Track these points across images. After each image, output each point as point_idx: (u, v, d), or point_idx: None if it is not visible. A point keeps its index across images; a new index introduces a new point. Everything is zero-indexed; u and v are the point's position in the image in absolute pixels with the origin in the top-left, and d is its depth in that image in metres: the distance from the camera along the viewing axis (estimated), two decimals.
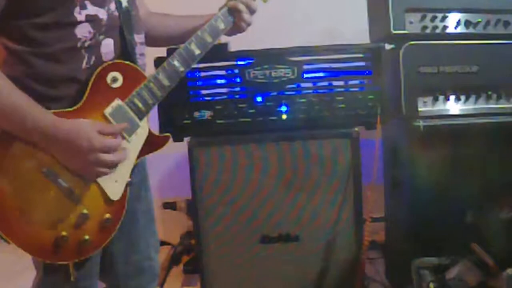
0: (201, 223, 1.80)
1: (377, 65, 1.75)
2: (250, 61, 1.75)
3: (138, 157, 1.24)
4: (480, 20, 1.77)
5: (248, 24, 1.45)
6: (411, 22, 1.76)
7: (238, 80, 1.76)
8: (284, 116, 1.76)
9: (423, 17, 1.77)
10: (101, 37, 1.16)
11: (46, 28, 1.10)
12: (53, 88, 1.12)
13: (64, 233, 1.11)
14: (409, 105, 1.78)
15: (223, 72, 1.76)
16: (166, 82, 1.26)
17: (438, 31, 1.78)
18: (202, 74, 1.77)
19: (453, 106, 1.81)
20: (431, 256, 1.77)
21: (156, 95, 1.24)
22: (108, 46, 1.18)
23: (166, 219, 2.57)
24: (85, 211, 1.14)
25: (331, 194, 1.78)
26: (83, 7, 1.12)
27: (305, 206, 1.78)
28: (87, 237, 1.15)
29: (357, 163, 1.76)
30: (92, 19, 1.14)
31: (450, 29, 1.79)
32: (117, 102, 1.18)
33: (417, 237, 1.84)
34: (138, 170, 1.34)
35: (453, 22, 1.78)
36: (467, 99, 1.81)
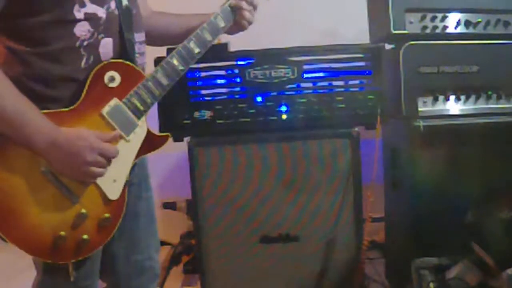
0: (201, 223, 1.80)
1: (377, 65, 1.75)
2: (250, 61, 1.74)
3: (137, 156, 1.24)
4: (480, 20, 1.77)
5: (250, 22, 1.44)
6: (411, 22, 1.76)
7: (238, 80, 1.76)
8: (284, 116, 1.76)
9: (423, 17, 1.76)
10: (100, 36, 1.16)
11: (45, 27, 1.10)
12: (52, 88, 1.13)
13: (62, 232, 1.11)
14: (409, 105, 1.78)
15: (223, 72, 1.76)
16: (164, 81, 1.25)
17: (438, 31, 1.78)
18: (202, 74, 1.77)
19: (453, 106, 1.80)
20: (431, 256, 1.77)
21: (155, 94, 1.24)
22: (107, 46, 1.18)
23: (166, 219, 2.57)
24: (83, 210, 1.14)
25: (331, 194, 1.77)
26: (82, 5, 1.12)
27: (305, 206, 1.78)
28: (85, 236, 1.15)
29: (357, 163, 1.76)
30: (91, 18, 1.14)
31: (450, 29, 1.78)
32: (114, 101, 1.18)
33: (417, 237, 1.83)
34: (139, 170, 1.34)
35: (453, 22, 1.78)
36: (467, 99, 1.80)
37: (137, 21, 1.28)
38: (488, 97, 1.79)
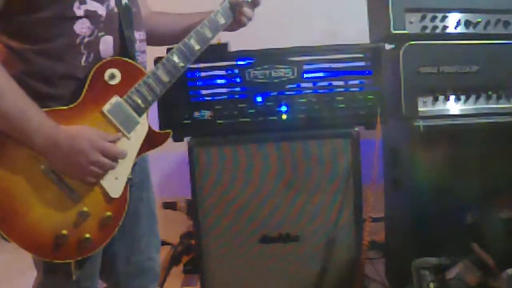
0: (201, 223, 1.80)
1: (377, 65, 1.75)
2: (250, 61, 1.75)
3: (139, 154, 1.24)
4: (480, 20, 1.77)
5: (249, 19, 1.44)
6: (411, 22, 1.76)
7: (238, 80, 1.76)
8: (284, 116, 1.76)
9: (423, 17, 1.76)
10: (101, 34, 1.16)
11: (45, 24, 1.10)
12: (52, 86, 1.12)
13: (64, 231, 1.11)
14: (409, 105, 1.78)
15: (223, 72, 1.76)
16: (165, 78, 1.25)
17: (438, 31, 1.78)
18: (202, 74, 1.77)
19: (453, 106, 1.81)
20: (431, 256, 1.77)
21: (155, 91, 1.23)
22: (107, 43, 1.17)
23: (166, 219, 2.56)
24: (85, 209, 1.14)
25: (331, 194, 1.78)
26: (83, 2, 1.12)
27: (305, 206, 1.78)
28: (88, 235, 1.15)
29: (357, 163, 1.76)
30: (91, 15, 1.14)
31: (450, 29, 1.78)
32: (115, 99, 1.18)
33: (417, 237, 1.83)
34: (140, 170, 1.34)
35: (453, 22, 1.78)
36: (467, 99, 1.80)
37: (137, 19, 1.28)
38: (488, 97, 1.80)
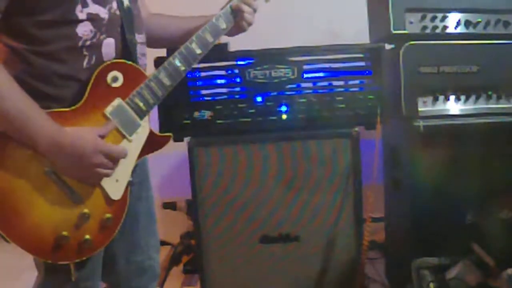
0: (201, 223, 1.80)
1: (377, 65, 1.75)
2: (250, 61, 1.75)
3: (139, 156, 1.24)
4: (480, 20, 1.77)
5: (250, 24, 1.45)
6: (411, 22, 1.76)
7: (238, 80, 1.76)
8: (284, 116, 1.77)
9: (423, 17, 1.76)
10: (103, 36, 1.16)
11: (47, 26, 1.10)
12: (54, 87, 1.12)
13: (65, 232, 1.11)
14: (409, 105, 1.78)
15: (223, 72, 1.77)
16: (167, 82, 1.26)
17: (438, 31, 1.78)
18: (202, 74, 1.77)
19: (453, 106, 1.80)
20: (431, 256, 1.77)
21: (157, 94, 1.24)
22: (109, 46, 1.18)
23: (166, 219, 2.57)
24: (86, 210, 1.14)
25: (331, 194, 1.78)
26: (85, 5, 1.12)
27: (305, 206, 1.78)
28: (88, 237, 1.15)
29: (357, 163, 1.76)
30: (93, 18, 1.14)
31: (450, 29, 1.78)
32: (117, 101, 1.18)
33: (417, 237, 1.83)
34: (140, 170, 1.34)
35: (453, 22, 1.78)
36: (467, 99, 1.80)
37: (139, 22, 1.28)
38: (488, 97, 1.79)
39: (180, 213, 2.61)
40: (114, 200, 1.19)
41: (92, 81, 1.14)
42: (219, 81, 1.78)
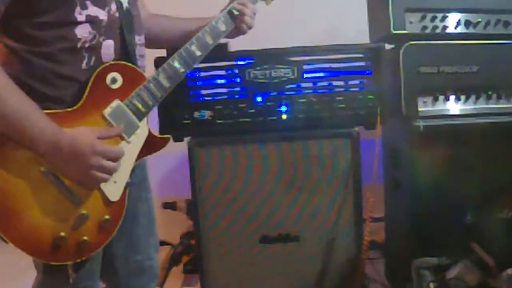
0: (201, 223, 1.80)
1: (377, 65, 1.75)
2: (250, 61, 1.75)
3: (138, 158, 1.24)
4: (480, 20, 1.77)
5: (250, 27, 1.46)
6: (411, 22, 1.76)
7: (238, 80, 1.76)
8: (284, 116, 1.76)
9: (423, 17, 1.76)
10: (102, 38, 1.16)
11: (46, 27, 1.10)
12: (53, 88, 1.12)
13: (62, 233, 1.11)
14: (409, 105, 1.78)
15: (223, 72, 1.76)
16: (166, 83, 1.26)
17: (438, 31, 1.78)
18: (202, 74, 1.77)
19: (453, 106, 1.81)
20: (431, 256, 1.77)
21: (156, 96, 1.24)
22: (108, 47, 1.18)
23: (166, 219, 2.57)
24: (84, 211, 1.14)
25: (331, 194, 1.78)
26: (84, 7, 1.12)
27: (305, 206, 1.78)
28: (86, 238, 1.15)
29: (357, 163, 1.76)
30: (92, 20, 1.14)
31: (450, 29, 1.78)
32: (116, 102, 1.18)
33: (417, 237, 1.83)
34: (138, 171, 1.34)
35: (453, 22, 1.78)
36: (467, 99, 1.80)
37: (138, 24, 1.28)
38: (488, 97, 1.80)
39: (180, 213, 2.61)
40: (112, 202, 1.19)
41: (91, 82, 1.15)
42: (219, 81, 1.78)
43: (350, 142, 1.76)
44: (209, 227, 1.80)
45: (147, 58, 1.34)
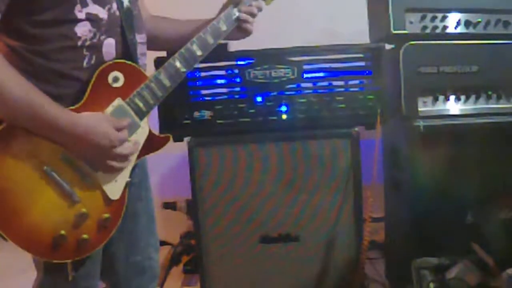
0: (201, 223, 1.80)
1: (377, 65, 1.75)
2: (250, 61, 1.75)
3: (138, 157, 1.25)
4: (480, 20, 1.77)
5: (250, 33, 1.46)
6: (411, 22, 1.76)
7: (238, 80, 1.76)
8: (284, 116, 1.77)
9: (423, 17, 1.77)
10: (103, 37, 1.16)
11: (46, 26, 1.10)
12: (54, 86, 1.12)
13: (63, 232, 1.11)
14: (409, 105, 1.78)
15: (223, 72, 1.77)
16: (167, 83, 1.26)
17: (438, 31, 1.78)
18: (202, 74, 1.77)
19: (453, 106, 1.81)
20: (431, 256, 1.77)
21: (157, 95, 1.24)
22: (109, 46, 1.18)
23: (166, 219, 2.57)
24: (84, 210, 1.14)
25: (331, 194, 1.78)
26: (84, 4, 1.12)
27: (305, 206, 1.78)
28: (86, 236, 1.15)
29: (357, 163, 1.76)
30: (92, 18, 1.14)
31: (450, 29, 1.78)
32: (118, 101, 1.19)
33: (417, 237, 1.83)
34: (138, 170, 1.34)
35: (453, 22, 1.78)
36: (467, 99, 1.81)
37: (138, 22, 1.28)
38: (488, 97, 1.80)
39: (180, 213, 2.61)
40: (112, 200, 1.19)
41: (93, 81, 1.15)
42: (219, 81, 1.78)
43: (350, 142, 1.76)
44: (209, 227, 1.80)
45: (147, 58, 1.34)
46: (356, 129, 1.77)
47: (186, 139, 1.80)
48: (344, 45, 1.80)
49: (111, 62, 1.17)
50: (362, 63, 1.78)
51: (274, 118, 1.77)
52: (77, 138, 1.10)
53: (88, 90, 1.14)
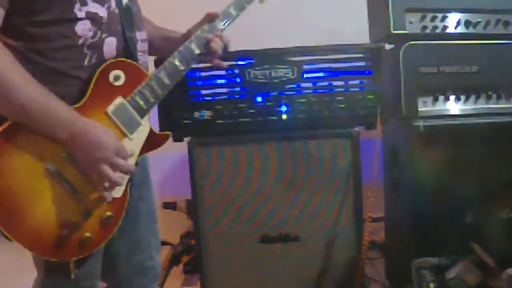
0: (201, 223, 1.80)
1: (377, 65, 1.75)
2: (250, 61, 1.75)
3: (139, 154, 1.25)
4: (480, 20, 1.77)
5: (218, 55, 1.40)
6: (411, 22, 1.76)
7: (238, 80, 1.76)
8: (284, 116, 1.77)
9: (423, 17, 1.77)
10: (104, 35, 1.16)
11: (46, 25, 1.10)
12: (55, 85, 1.12)
13: (66, 230, 1.11)
14: (409, 105, 1.78)
15: (223, 72, 1.76)
16: (167, 81, 1.27)
17: (438, 31, 1.78)
18: (202, 74, 1.77)
19: (453, 106, 1.81)
20: (431, 256, 1.77)
21: (157, 93, 1.25)
22: (110, 45, 1.18)
23: (166, 219, 2.57)
24: (86, 208, 1.14)
25: (331, 194, 1.78)
26: (84, 3, 1.12)
27: (305, 206, 1.78)
28: (88, 234, 1.15)
29: (357, 163, 1.76)
30: (92, 17, 1.14)
31: (450, 29, 1.79)
32: (119, 100, 1.19)
33: (417, 237, 1.83)
34: (140, 170, 1.34)
35: (453, 22, 1.78)
36: (467, 99, 1.81)
37: (138, 20, 1.29)
38: (488, 97, 1.80)
39: (180, 213, 2.61)
40: (114, 198, 1.19)
41: (94, 79, 1.15)
42: (219, 81, 1.78)
43: (350, 142, 1.76)
44: (209, 227, 1.80)
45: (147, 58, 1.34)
46: (356, 129, 1.77)
47: (186, 139, 1.80)
48: (344, 45, 1.80)
49: (112, 61, 1.18)
50: (362, 63, 1.79)
51: (274, 118, 1.77)
52: (89, 145, 1.10)
53: (90, 89, 1.15)
